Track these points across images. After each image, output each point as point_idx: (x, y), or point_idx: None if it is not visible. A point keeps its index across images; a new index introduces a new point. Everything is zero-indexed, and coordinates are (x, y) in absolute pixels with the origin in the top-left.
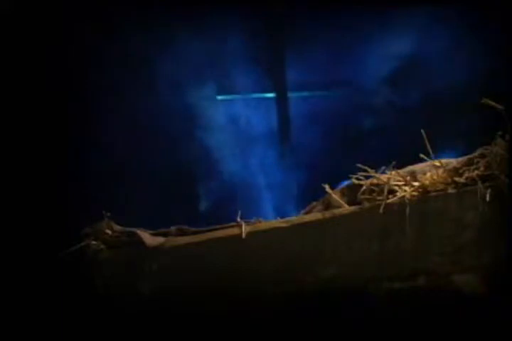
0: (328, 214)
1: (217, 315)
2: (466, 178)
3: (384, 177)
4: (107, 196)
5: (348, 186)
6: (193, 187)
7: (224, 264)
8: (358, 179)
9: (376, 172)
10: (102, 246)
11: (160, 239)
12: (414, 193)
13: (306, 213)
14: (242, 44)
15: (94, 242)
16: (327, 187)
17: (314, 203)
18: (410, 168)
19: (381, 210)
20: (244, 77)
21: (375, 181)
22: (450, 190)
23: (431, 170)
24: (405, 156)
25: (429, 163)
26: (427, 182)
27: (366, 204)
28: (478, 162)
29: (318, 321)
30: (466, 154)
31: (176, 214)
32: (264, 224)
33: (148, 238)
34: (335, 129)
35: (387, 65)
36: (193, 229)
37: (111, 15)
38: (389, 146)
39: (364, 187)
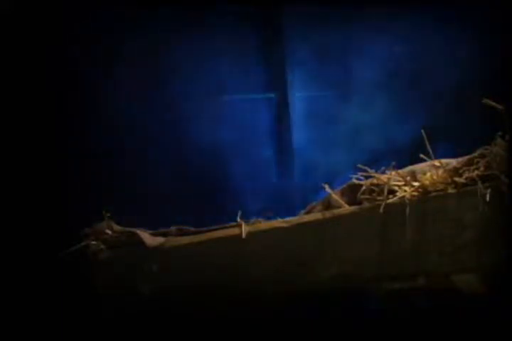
0: (328, 214)
1: (217, 315)
2: (466, 178)
3: (384, 177)
4: (107, 196)
5: (348, 186)
6: (193, 187)
7: (224, 264)
8: (358, 179)
9: (376, 172)
10: (102, 246)
11: (160, 239)
12: (414, 193)
13: (306, 213)
14: (242, 44)
15: (94, 242)
16: (327, 187)
17: (314, 203)
18: (410, 168)
19: (381, 210)
20: (244, 77)
21: (375, 181)
22: (450, 190)
23: (431, 170)
24: (405, 156)
25: (429, 163)
26: (427, 182)
27: (366, 204)
28: (478, 162)
29: (319, 321)
30: (466, 154)
31: (177, 214)
32: (264, 224)
33: (148, 238)
34: (335, 129)
35: (388, 64)
36: (193, 229)
37: (110, 14)
38: (389, 146)
39: (364, 187)
